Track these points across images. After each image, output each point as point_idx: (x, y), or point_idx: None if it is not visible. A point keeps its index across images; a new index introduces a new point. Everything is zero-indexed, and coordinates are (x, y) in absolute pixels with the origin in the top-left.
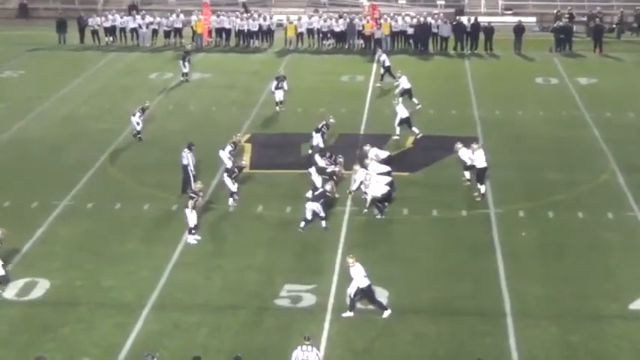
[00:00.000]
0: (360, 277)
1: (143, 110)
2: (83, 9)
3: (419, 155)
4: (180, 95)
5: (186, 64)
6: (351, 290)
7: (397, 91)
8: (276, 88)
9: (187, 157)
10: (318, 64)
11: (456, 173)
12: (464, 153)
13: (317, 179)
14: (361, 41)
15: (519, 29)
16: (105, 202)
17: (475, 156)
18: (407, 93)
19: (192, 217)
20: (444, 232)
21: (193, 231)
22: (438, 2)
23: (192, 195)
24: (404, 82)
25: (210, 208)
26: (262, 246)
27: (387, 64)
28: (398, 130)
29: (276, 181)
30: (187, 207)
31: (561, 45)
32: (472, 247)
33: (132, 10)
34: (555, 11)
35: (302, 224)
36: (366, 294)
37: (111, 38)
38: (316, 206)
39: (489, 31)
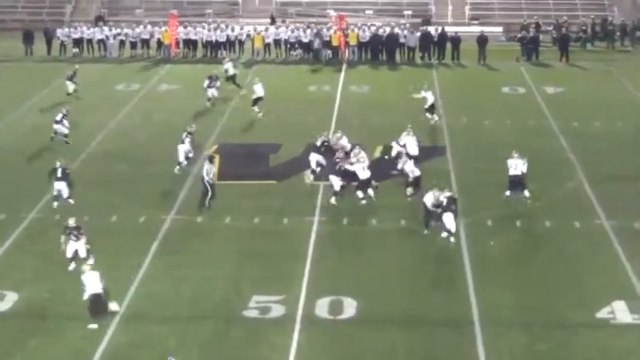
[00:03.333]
0: (92, 285)
1: (64, 115)
2: (50, 20)
3: (387, 165)
4: (147, 107)
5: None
6: (85, 297)
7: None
8: (208, 86)
9: (207, 170)
10: (286, 74)
11: (424, 183)
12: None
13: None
14: (328, 51)
15: (483, 40)
16: (72, 214)
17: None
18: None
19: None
20: (413, 242)
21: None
22: (405, 12)
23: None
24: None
25: (178, 219)
26: (231, 257)
27: (231, 72)
28: None
29: (245, 192)
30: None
31: (528, 54)
32: (440, 256)
33: (99, 21)
34: (522, 21)
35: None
36: (94, 302)
37: (77, 49)
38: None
39: (456, 40)
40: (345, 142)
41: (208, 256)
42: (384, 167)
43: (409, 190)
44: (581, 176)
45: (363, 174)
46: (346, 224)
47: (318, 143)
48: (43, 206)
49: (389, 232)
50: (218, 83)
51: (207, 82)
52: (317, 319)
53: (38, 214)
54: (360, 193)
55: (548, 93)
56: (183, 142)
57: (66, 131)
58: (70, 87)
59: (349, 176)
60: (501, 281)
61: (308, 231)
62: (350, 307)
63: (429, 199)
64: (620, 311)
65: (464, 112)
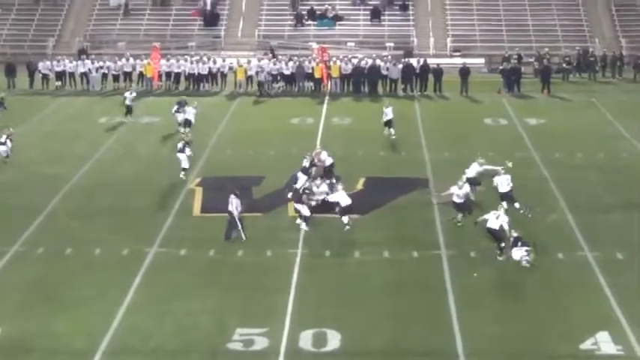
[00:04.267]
0: None
1: (8, 137)
2: (33, 53)
3: (369, 197)
4: (129, 139)
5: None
6: None
7: None
8: (176, 111)
9: (232, 203)
10: (268, 106)
11: (407, 215)
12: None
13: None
14: (311, 84)
15: (465, 71)
16: (55, 247)
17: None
18: None
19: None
20: (396, 274)
21: None
22: (387, 44)
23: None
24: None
25: (162, 252)
26: (214, 289)
27: (128, 103)
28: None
29: None
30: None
31: (510, 86)
32: (424, 288)
33: (81, 54)
34: (504, 53)
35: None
36: None
37: (60, 83)
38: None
39: (438, 72)
40: (324, 156)
41: (192, 289)
42: (366, 198)
43: (459, 216)
44: (564, 207)
45: (345, 200)
46: (329, 256)
47: (307, 164)
48: (25, 239)
49: (372, 264)
50: (187, 108)
51: (175, 107)
52: (301, 351)
53: (21, 247)
54: (345, 219)
55: (530, 124)
56: (182, 152)
57: (6, 153)
58: None
59: (327, 206)
60: (485, 312)
61: (291, 263)
62: (334, 340)
63: (495, 222)
64: (604, 342)
65: (446, 144)
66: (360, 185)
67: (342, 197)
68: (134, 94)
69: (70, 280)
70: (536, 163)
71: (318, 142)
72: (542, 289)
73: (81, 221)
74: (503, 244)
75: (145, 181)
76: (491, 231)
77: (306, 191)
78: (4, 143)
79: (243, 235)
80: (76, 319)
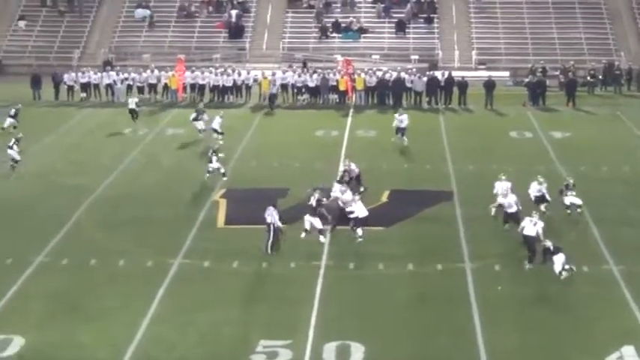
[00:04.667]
0: None
1: (17, 141)
2: (58, 65)
3: (394, 209)
4: (154, 151)
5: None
6: None
7: None
8: (194, 119)
9: (272, 216)
10: (293, 118)
11: (431, 227)
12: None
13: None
14: (335, 96)
15: (490, 84)
16: (80, 258)
17: None
18: None
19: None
20: (420, 287)
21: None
22: (412, 57)
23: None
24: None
25: (186, 263)
26: (238, 301)
27: (132, 107)
28: None
29: (253, 237)
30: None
31: (535, 99)
32: (448, 301)
33: (106, 66)
34: (530, 66)
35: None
36: None
37: (85, 94)
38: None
39: (463, 85)
40: (353, 166)
41: (216, 301)
42: (391, 211)
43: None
44: (589, 220)
45: (362, 212)
46: (353, 269)
47: (314, 203)
48: (50, 250)
49: (396, 277)
50: (205, 116)
51: (193, 115)
52: None
53: (45, 257)
54: (359, 231)
55: (556, 137)
56: (211, 162)
57: (17, 157)
58: (7, 122)
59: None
60: (509, 326)
61: (315, 275)
62: (358, 352)
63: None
64: (629, 357)
65: (471, 156)
66: (384, 198)
67: (359, 209)
68: (136, 99)
69: (94, 291)
70: (561, 176)
71: (343, 154)
72: (567, 303)
73: (105, 232)
74: (533, 254)
75: (169, 192)
76: (527, 238)
77: (322, 202)
78: (11, 147)
79: (269, 249)
80: (100, 329)
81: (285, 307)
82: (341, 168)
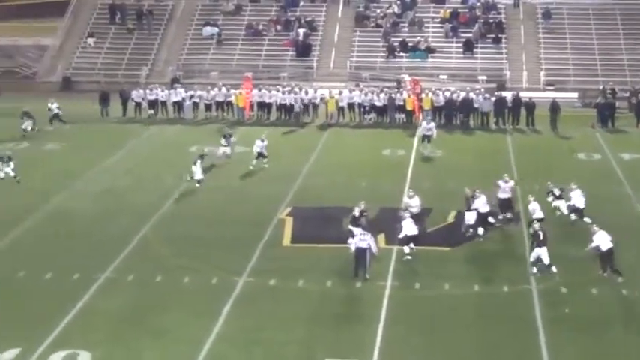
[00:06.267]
0: None
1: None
2: (126, 82)
3: (460, 230)
4: (220, 169)
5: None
6: None
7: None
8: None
9: (368, 241)
10: (360, 138)
11: (497, 248)
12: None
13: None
14: (402, 115)
15: (555, 107)
16: (146, 275)
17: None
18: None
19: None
20: (486, 308)
21: None
22: (480, 77)
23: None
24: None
25: (251, 282)
26: (303, 319)
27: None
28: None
29: (318, 255)
30: None
31: (604, 121)
32: (514, 323)
33: (174, 83)
34: (599, 87)
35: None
36: None
37: (152, 111)
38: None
39: (531, 106)
40: (415, 202)
41: (280, 319)
42: (457, 231)
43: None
44: None
45: (411, 230)
46: (419, 288)
47: (357, 214)
48: (117, 266)
49: (462, 298)
50: (232, 139)
51: (222, 140)
52: None
53: (112, 274)
54: (406, 249)
55: (625, 159)
56: (195, 164)
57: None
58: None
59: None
60: (576, 348)
61: (380, 295)
62: None
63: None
64: None
65: (538, 177)
66: (451, 218)
67: (408, 226)
68: (55, 104)
69: (159, 307)
70: (629, 198)
71: (409, 174)
72: (635, 327)
73: (171, 249)
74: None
75: (236, 210)
76: (605, 252)
77: (364, 213)
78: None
79: (366, 274)
80: (166, 346)
81: (350, 327)
82: (406, 187)
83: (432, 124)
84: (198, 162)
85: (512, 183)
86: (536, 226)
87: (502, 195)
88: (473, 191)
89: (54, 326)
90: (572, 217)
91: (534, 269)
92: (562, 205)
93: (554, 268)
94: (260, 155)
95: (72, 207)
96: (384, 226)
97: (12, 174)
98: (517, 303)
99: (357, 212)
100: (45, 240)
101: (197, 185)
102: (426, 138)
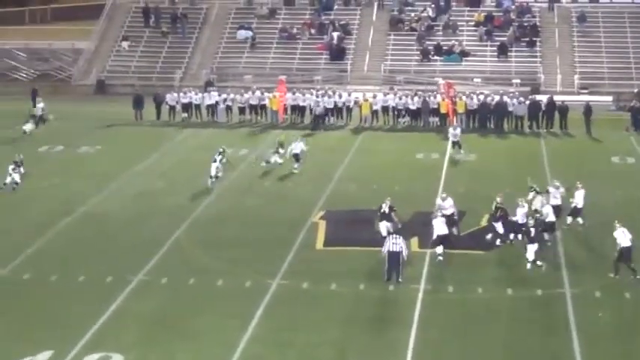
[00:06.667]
0: None
1: (16, 163)
2: (161, 85)
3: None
4: (253, 172)
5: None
6: None
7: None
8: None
9: (401, 245)
10: (393, 141)
11: None
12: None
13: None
14: (436, 119)
15: (588, 110)
16: (179, 277)
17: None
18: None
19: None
20: (519, 312)
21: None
22: (514, 81)
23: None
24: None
25: (284, 284)
26: (336, 322)
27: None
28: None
29: (351, 258)
30: None
31: (637, 124)
32: (547, 327)
33: (208, 86)
34: (635, 90)
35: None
36: None
37: (186, 114)
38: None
39: (564, 109)
40: (448, 203)
41: (314, 322)
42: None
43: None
44: None
45: (442, 230)
46: (452, 292)
47: (386, 209)
48: (150, 269)
49: (495, 301)
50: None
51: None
52: None
53: (145, 276)
54: (439, 249)
55: None
56: (215, 161)
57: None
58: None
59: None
60: (610, 353)
61: (414, 298)
62: None
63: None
64: None
65: (572, 181)
66: (484, 222)
67: (439, 226)
68: (41, 104)
69: (193, 310)
70: None
71: (443, 177)
72: None
73: (204, 252)
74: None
75: (269, 213)
76: (624, 250)
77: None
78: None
79: (399, 277)
80: (198, 349)
81: (383, 330)
82: (440, 191)
83: (458, 130)
84: (218, 158)
85: (562, 189)
86: (531, 222)
87: (553, 202)
88: (502, 197)
89: (87, 329)
90: (569, 219)
91: (529, 265)
92: (540, 205)
93: (538, 262)
94: (295, 157)
95: (106, 210)
96: (418, 229)
97: (18, 180)
98: (551, 307)
99: (386, 208)
100: (79, 242)
101: (213, 180)
102: (455, 144)
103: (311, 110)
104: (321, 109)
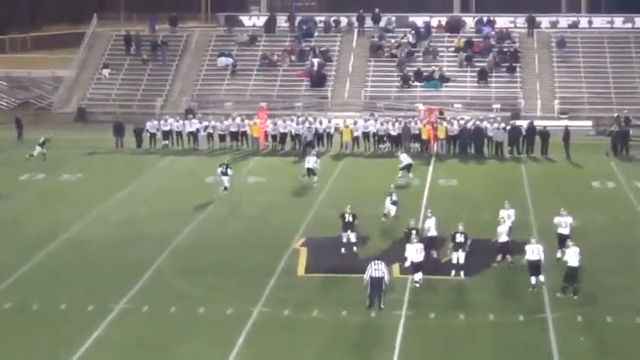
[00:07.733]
0: None
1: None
2: (141, 113)
3: (474, 259)
4: (235, 199)
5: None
6: None
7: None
8: (223, 174)
9: (383, 270)
10: (374, 167)
11: (512, 277)
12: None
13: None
14: (417, 144)
15: (566, 135)
16: (161, 305)
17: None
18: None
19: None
20: (501, 337)
21: None
22: (494, 106)
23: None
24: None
25: (266, 312)
26: (317, 349)
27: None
28: None
29: (332, 285)
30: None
31: (617, 149)
32: (529, 352)
33: (188, 114)
34: (614, 115)
35: None
36: None
37: (167, 142)
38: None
39: (545, 134)
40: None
41: (295, 349)
42: (472, 261)
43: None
44: None
45: (416, 257)
46: (434, 318)
47: (350, 218)
48: (132, 297)
49: (477, 327)
50: (230, 171)
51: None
52: None
53: (127, 304)
54: (416, 276)
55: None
56: (225, 174)
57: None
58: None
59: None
60: None
61: (395, 325)
62: None
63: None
64: None
65: (552, 206)
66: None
67: (412, 252)
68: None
69: (174, 338)
70: None
71: (424, 203)
72: None
73: (186, 279)
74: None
75: (250, 240)
76: (572, 269)
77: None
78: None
79: (381, 304)
80: None
81: (365, 357)
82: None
83: (404, 155)
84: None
85: (569, 218)
86: (460, 227)
87: (561, 231)
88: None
89: (69, 357)
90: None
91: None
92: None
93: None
94: (310, 172)
95: (88, 237)
96: (399, 255)
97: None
98: (533, 332)
99: (349, 217)
100: (60, 270)
101: (225, 192)
102: (405, 167)
103: (296, 137)
104: (311, 136)
